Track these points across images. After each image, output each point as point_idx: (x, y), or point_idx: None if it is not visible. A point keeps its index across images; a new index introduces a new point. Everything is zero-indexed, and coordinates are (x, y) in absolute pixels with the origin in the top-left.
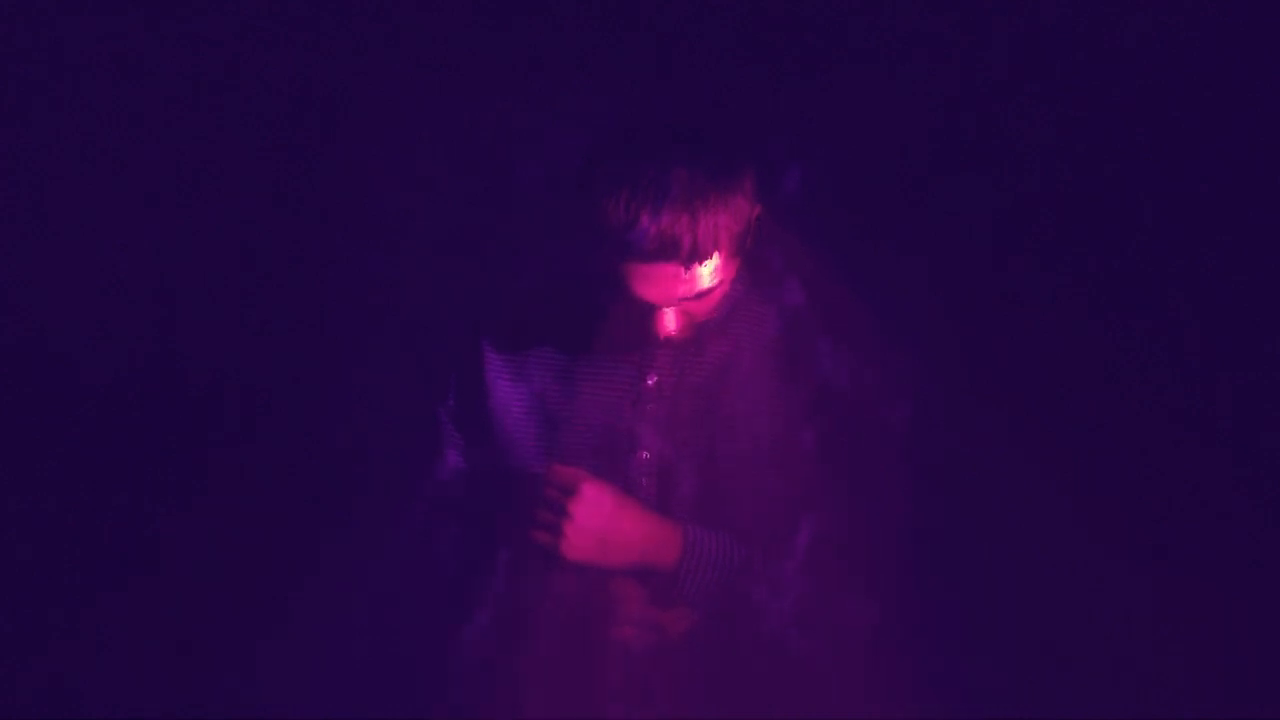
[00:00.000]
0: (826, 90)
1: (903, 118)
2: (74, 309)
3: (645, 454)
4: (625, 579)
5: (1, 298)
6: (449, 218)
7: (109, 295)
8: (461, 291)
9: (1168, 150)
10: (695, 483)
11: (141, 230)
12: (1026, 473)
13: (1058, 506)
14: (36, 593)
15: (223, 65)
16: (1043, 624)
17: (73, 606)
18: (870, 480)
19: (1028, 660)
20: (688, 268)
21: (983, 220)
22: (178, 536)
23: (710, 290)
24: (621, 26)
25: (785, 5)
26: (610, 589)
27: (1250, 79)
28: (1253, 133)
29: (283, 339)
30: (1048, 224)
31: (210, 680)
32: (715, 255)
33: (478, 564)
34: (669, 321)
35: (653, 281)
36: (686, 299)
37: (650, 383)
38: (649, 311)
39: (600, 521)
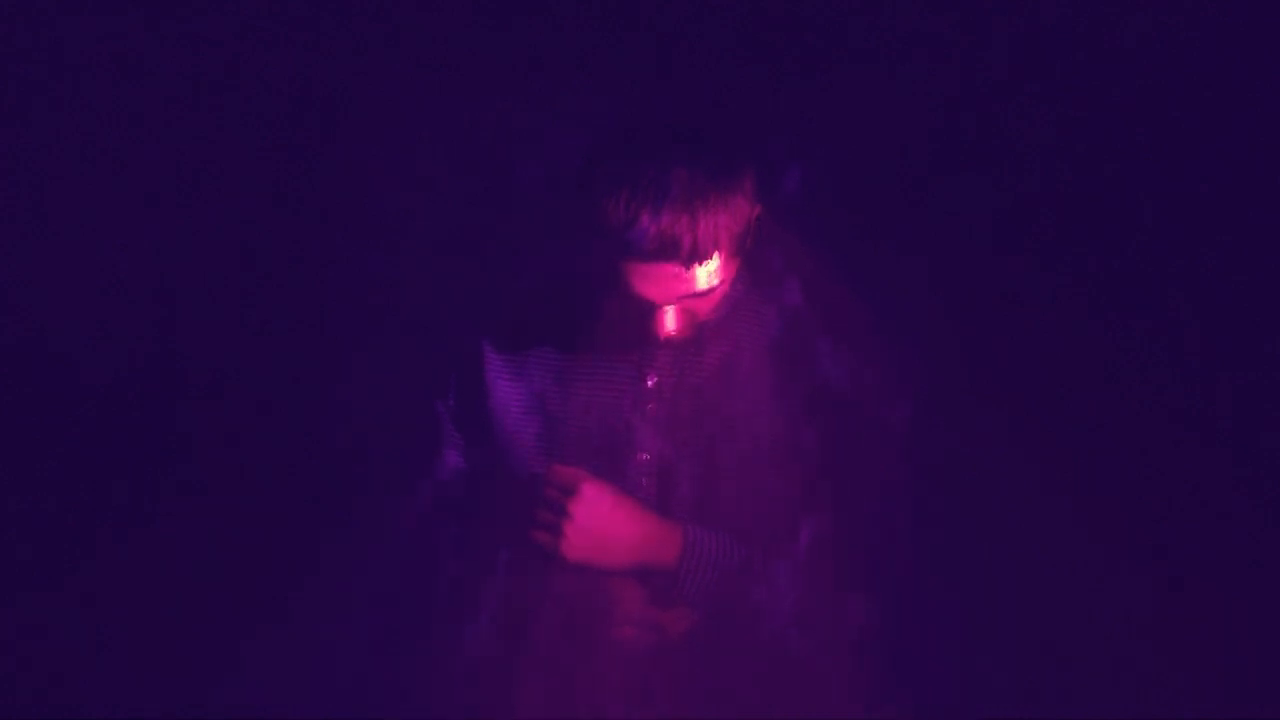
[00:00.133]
0: (826, 90)
1: (903, 118)
2: (74, 309)
3: (645, 455)
4: (625, 579)
5: (1, 298)
6: (449, 218)
7: (109, 295)
8: (461, 291)
9: (1168, 150)
10: (695, 483)
11: (141, 230)
12: (1026, 472)
13: (1057, 506)
14: (36, 593)
15: (223, 65)
16: (1042, 624)
17: (73, 606)
18: (870, 480)
19: (1028, 660)
20: (688, 267)
21: (983, 220)
22: (178, 536)
23: (711, 290)
24: (621, 26)
25: (785, 5)
26: (610, 589)
27: (1250, 79)
28: (1253, 133)
29: (283, 339)
30: (1048, 224)
31: (210, 680)
32: (715, 255)
33: (477, 564)
34: (669, 321)
35: (653, 280)
36: (687, 298)
37: (650, 383)
38: (649, 311)
39: (600, 522)
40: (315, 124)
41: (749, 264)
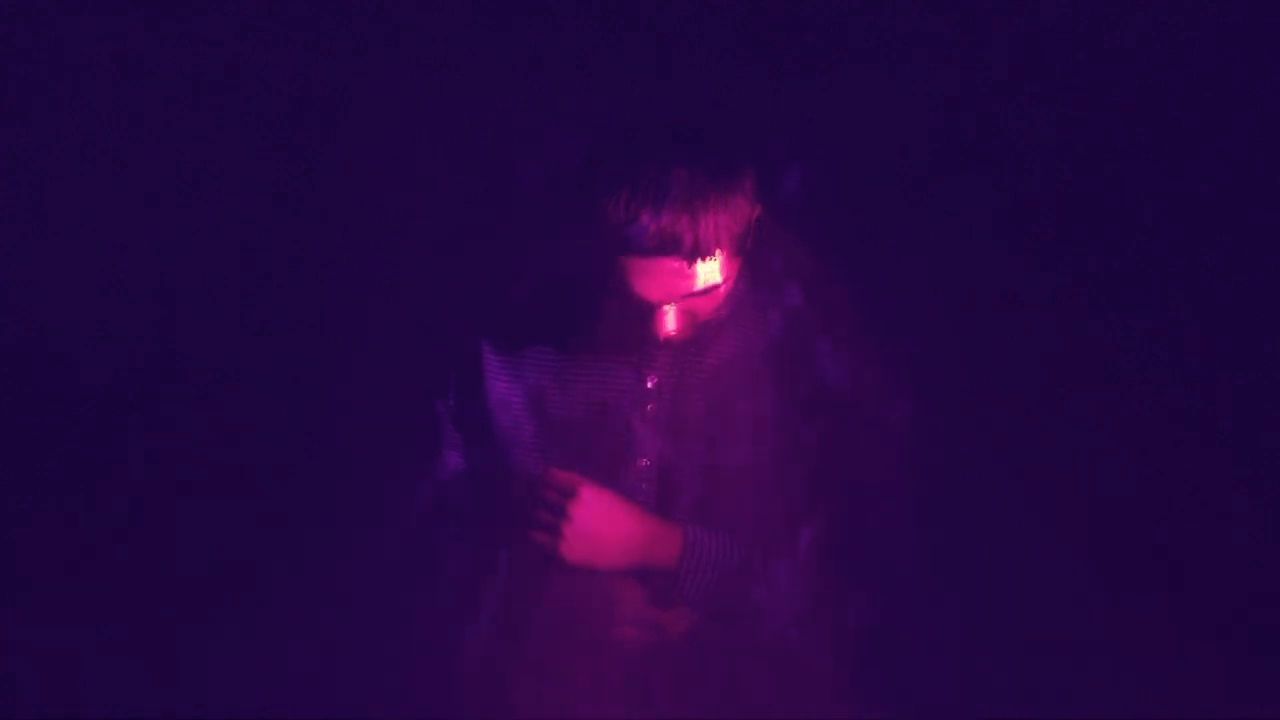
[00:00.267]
0: (826, 90)
1: (903, 118)
2: (74, 309)
3: (644, 458)
4: (625, 579)
5: (1, 298)
6: (449, 218)
7: (109, 295)
8: (461, 291)
9: (1168, 150)
10: (695, 484)
11: (141, 230)
12: (1025, 472)
13: (1057, 506)
14: (36, 593)
15: (223, 65)
16: (1042, 624)
17: (73, 606)
18: (870, 480)
19: (1027, 660)
20: (690, 263)
21: (983, 220)
22: (178, 537)
23: (712, 289)
24: (621, 26)
25: (785, 5)
26: (610, 589)
27: (1250, 79)
28: (1253, 133)
29: (282, 339)
30: (1048, 224)
31: (210, 680)
32: (717, 253)
33: (477, 563)
34: (669, 322)
35: (654, 277)
36: (688, 297)
37: (650, 384)
38: (649, 311)
39: (599, 525)
40: (315, 124)
41: (750, 264)
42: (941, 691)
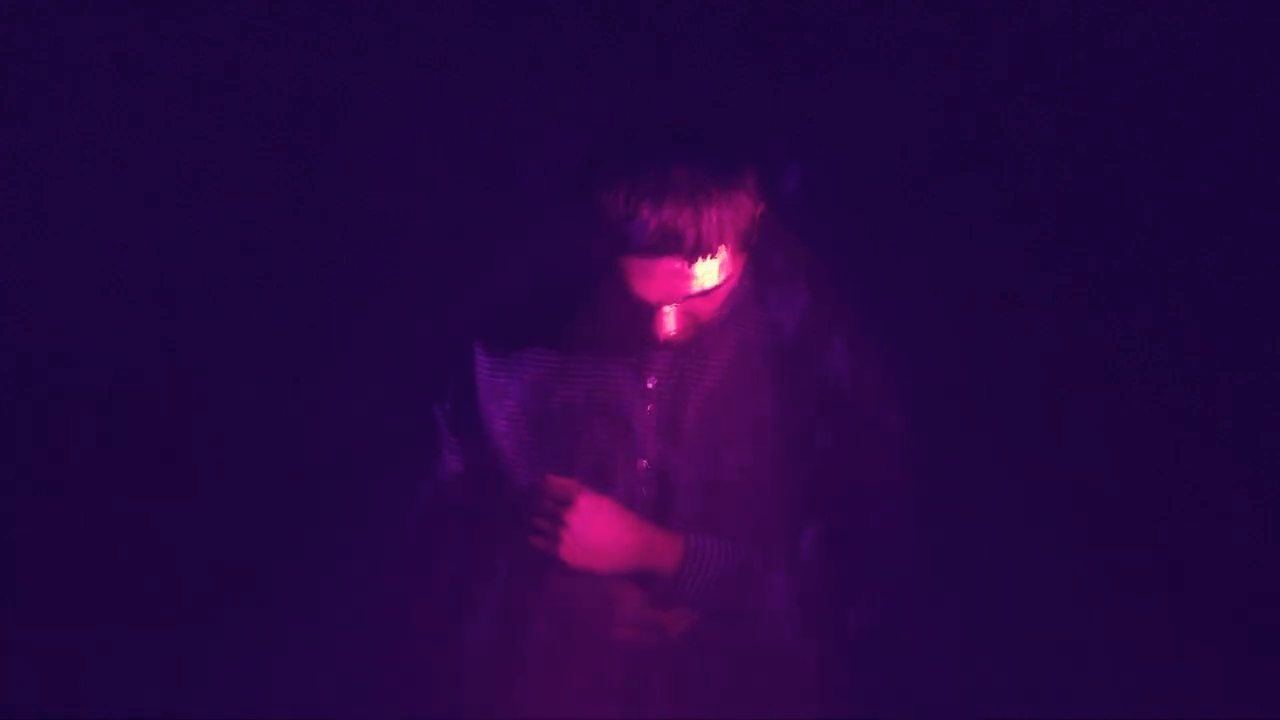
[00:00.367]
0: (826, 90)
1: (903, 118)
2: (74, 309)
3: (644, 459)
4: (625, 584)
5: (1, 298)
6: (449, 218)
7: (109, 295)
8: (460, 292)
9: (1168, 150)
10: (696, 485)
11: (141, 230)
12: (1025, 473)
13: (1057, 506)
14: (36, 593)
15: (223, 65)
16: (1042, 624)
17: (72, 606)
18: (871, 481)
19: (1028, 660)
20: (691, 262)
21: (983, 220)
22: (178, 537)
23: (713, 289)
24: (621, 26)
25: (785, 5)
26: (609, 590)
27: (1250, 79)
28: (1253, 133)
29: (282, 340)
30: (1048, 224)
31: (209, 681)
32: (720, 250)
33: (476, 567)
34: (669, 323)
35: (654, 278)
36: (689, 297)
37: (649, 385)
38: (649, 313)
39: (597, 534)
40: (315, 124)
41: (752, 263)
42: (941, 692)
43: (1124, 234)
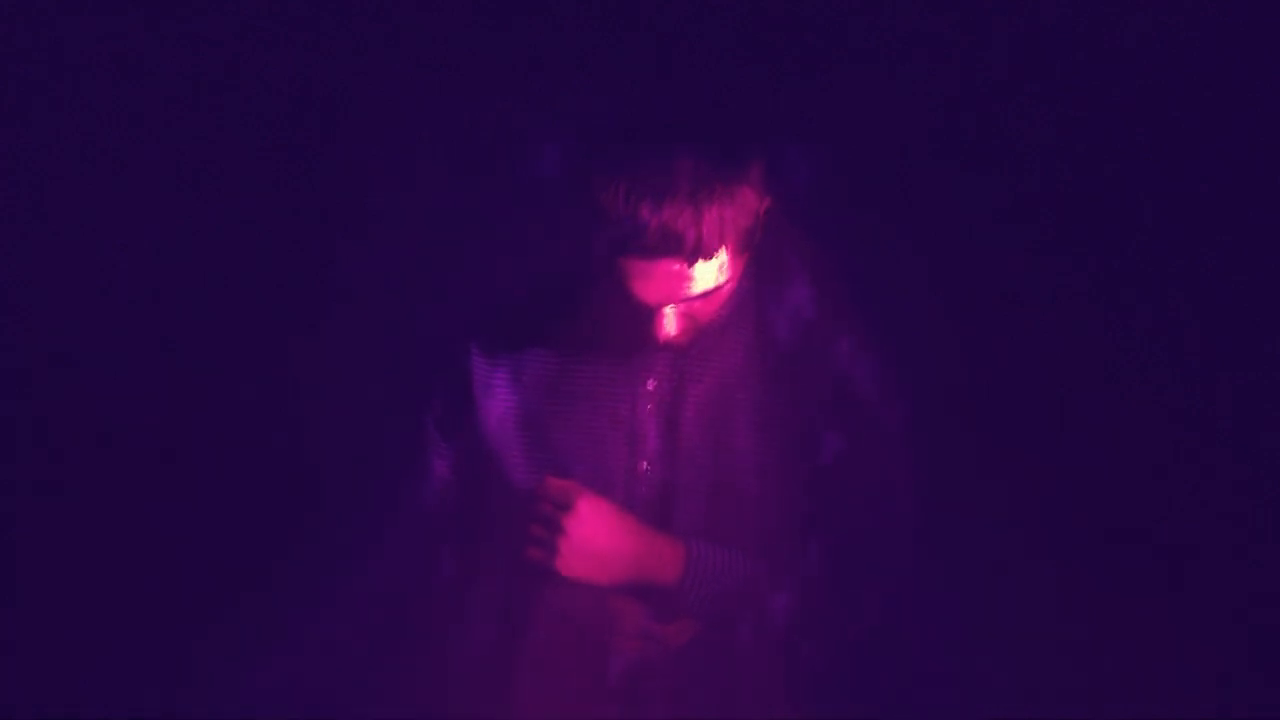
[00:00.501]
0: (826, 90)
1: (902, 118)
2: (74, 309)
3: (644, 463)
4: (625, 595)
5: (1, 298)
6: (449, 218)
7: (109, 295)
8: (459, 292)
9: (1168, 150)
10: (697, 487)
11: (141, 230)
12: (1026, 474)
13: (1059, 508)
14: (36, 593)
15: (223, 65)
16: (1044, 626)
17: (72, 606)
18: (877, 484)
19: (1029, 662)
20: (691, 264)
21: (982, 220)
22: (178, 537)
23: (715, 290)
24: (621, 26)
25: (785, 5)
26: (609, 602)
27: (1250, 79)
28: (1253, 133)
29: (282, 339)
30: (1048, 224)
31: (209, 681)
32: (721, 251)
33: (469, 577)
34: (669, 324)
35: (653, 280)
36: (689, 299)
37: (650, 386)
38: (648, 313)
39: (597, 538)
40: (315, 124)
41: (755, 260)
42: (943, 693)
43: (1124, 234)
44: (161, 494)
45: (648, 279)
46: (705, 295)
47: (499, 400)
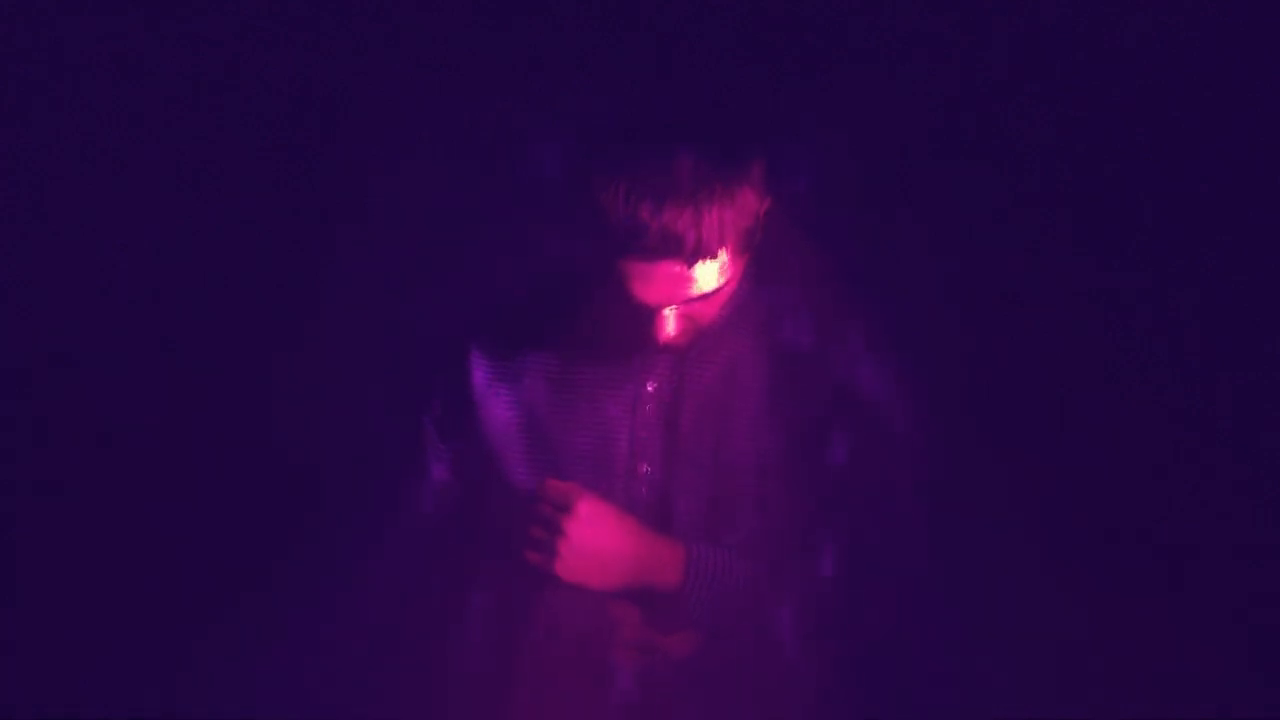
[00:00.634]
0: (826, 90)
1: (903, 118)
2: (74, 309)
3: (645, 465)
4: (624, 601)
5: (1, 298)
6: (449, 218)
7: (109, 295)
8: (459, 292)
9: (1168, 150)
10: (698, 494)
11: (141, 230)
12: (1027, 474)
13: (1062, 509)
14: (36, 593)
15: (223, 65)
16: (1047, 627)
17: (72, 606)
18: (883, 489)
19: (1031, 663)
20: (691, 266)
21: (982, 220)
22: (178, 537)
23: (715, 292)
24: (621, 26)
25: (785, 5)
26: (609, 611)
27: (1250, 79)
28: (1253, 133)
29: (282, 339)
30: (1048, 224)
31: (209, 681)
32: (721, 252)
33: (468, 581)
34: (669, 325)
35: (653, 282)
36: (690, 301)
37: (650, 388)
38: (648, 315)
39: (597, 540)
40: (315, 124)
41: (756, 261)
42: (947, 696)
43: (1124, 234)
44: (161, 494)
45: (648, 280)
46: (706, 296)
47: (499, 402)
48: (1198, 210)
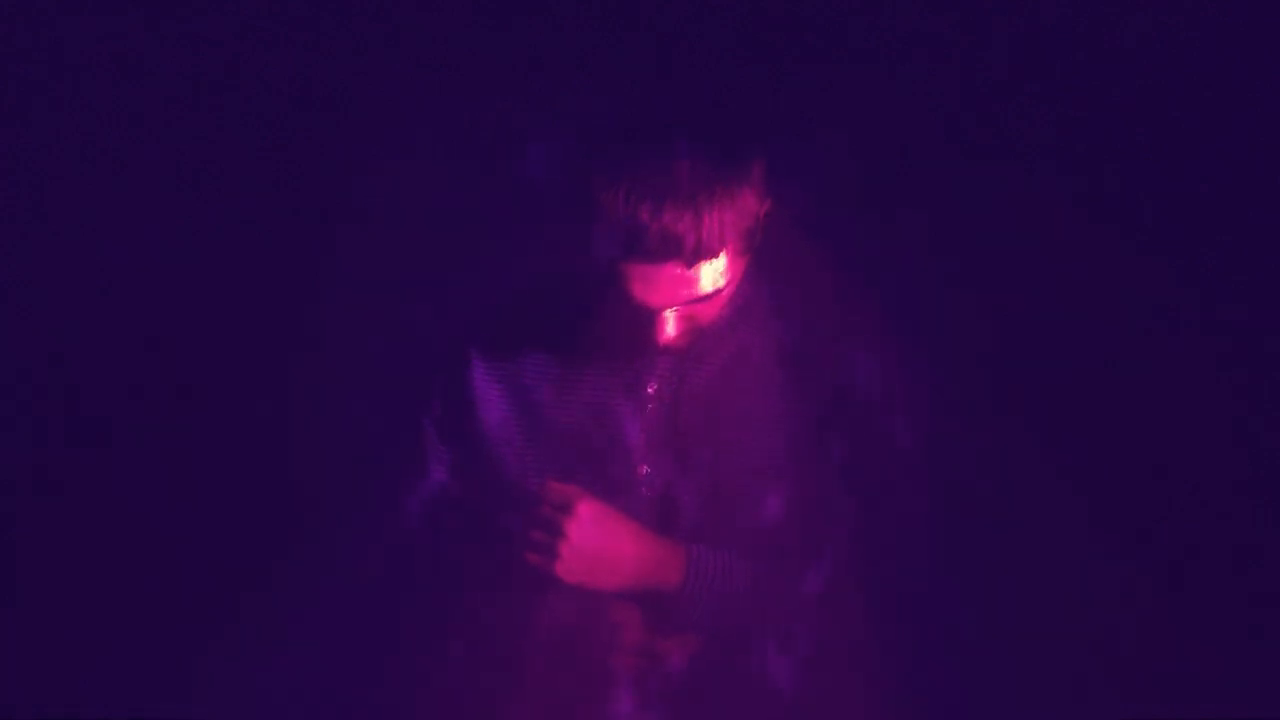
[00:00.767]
0: (826, 91)
1: (903, 118)
2: (74, 309)
3: (645, 467)
4: (624, 604)
5: (1, 298)
6: (448, 218)
7: (109, 295)
8: (455, 295)
9: (1168, 150)
10: (698, 496)
11: (141, 230)
12: (1029, 475)
13: (1063, 509)
14: (35, 593)
15: (223, 65)
16: (1049, 627)
17: (72, 606)
18: (886, 493)
19: (1031, 665)
20: (691, 267)
21: (984, 220)
22: (178, 537)
23: (716, 293)
24: (621, 26)
25: (785, 5)
26: (608, 614)
27: (1250, 79)
28: (1253, 133)
29: (282, 339)
30: (1047, 224)
31: (209, 681)
32: (722, 254)
33: (465, 585)
34: (669, 327)
35: (654, 283)
36: (690, 302)
37: (650, 389)
38: (649, 316)
39: (597, 541)
40: (315, 124)
41: (757, 262)
42: (947, 700)
43: (1124, 234)
44: (161, 494)
45: (648, 282)
46: (706, 297)
47: (499, 403)
48: (1198, 210)
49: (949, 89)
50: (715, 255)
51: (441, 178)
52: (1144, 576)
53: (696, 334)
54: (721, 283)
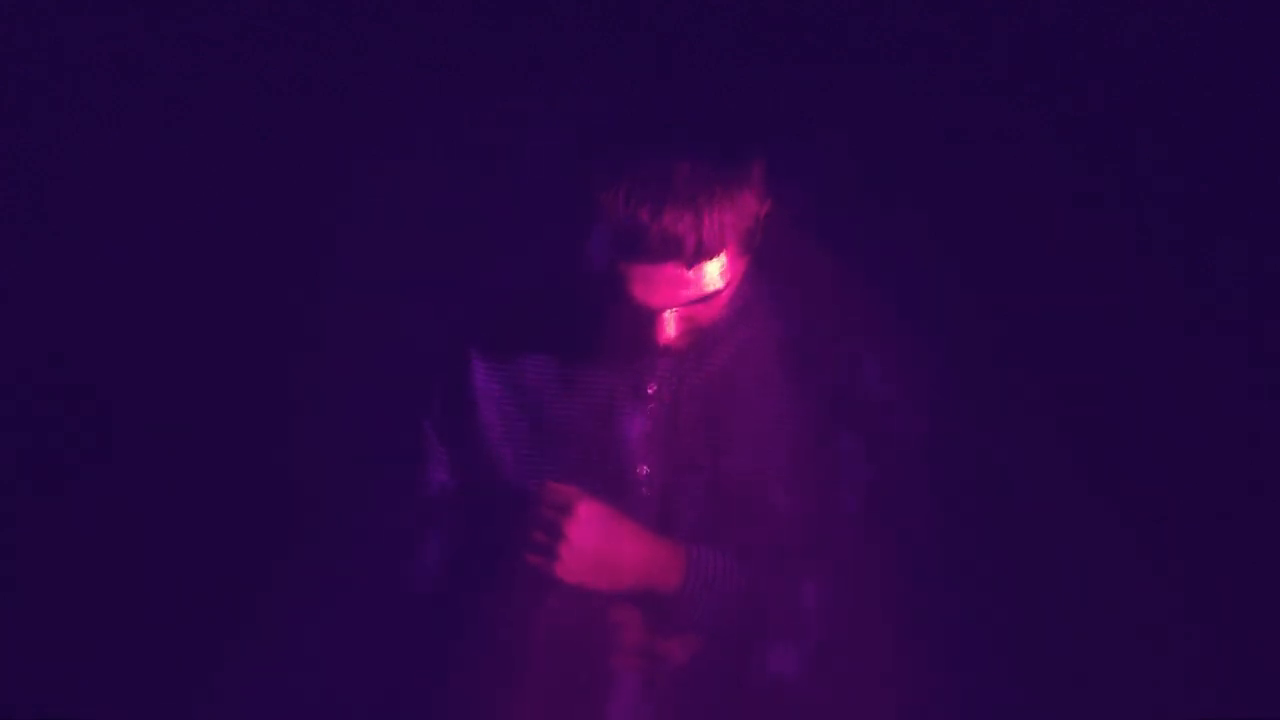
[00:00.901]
0: (826, 91)
1: (903, 118)
2: (74, 309)
3: (644, 468)
4: (624, 605)
5: (1, 298)
6: (448, 218)
7: (109, 295)
8: (454, 295)
9: (1168, 150)
10: (698, 498)
11: (141, 230)
12: (1032, 476)
13: (1063, 508)
14: (35, 593)
15: (223, 65)
16: (1050, 628)
17: (72, 606)
18: (880, 489)
19: (1034, 666)
20: (691, 268)
21: (984, 220)
22: (177, 538)
23: (716, 293)
24: (621, 26)
25: (785, 5)
26: (608, 616)
27: (1250, 79)
28: (1253, 133)
29: (283, 339)
30: (1047, 224)
31: (209, 681)
32: (722, 254)
33: (464, 587)
34: (669, 327)
35: (653, 284)
36: (691, 303)
37: (650, 390)
38: (649, 317)
39: (597, 542)
40: (315, 124)
41: (758, 263)
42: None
43: (1124, 234)
44: (162, 494)
45: (648, 283)
46: (706, 298)
47: (499, 404)
48: (1198, 210)
49: (949, 89)
50: (715, 256)
51: (441, 178)
52: (1151, 576)
53: (697, 334)
54: (721, 283)
